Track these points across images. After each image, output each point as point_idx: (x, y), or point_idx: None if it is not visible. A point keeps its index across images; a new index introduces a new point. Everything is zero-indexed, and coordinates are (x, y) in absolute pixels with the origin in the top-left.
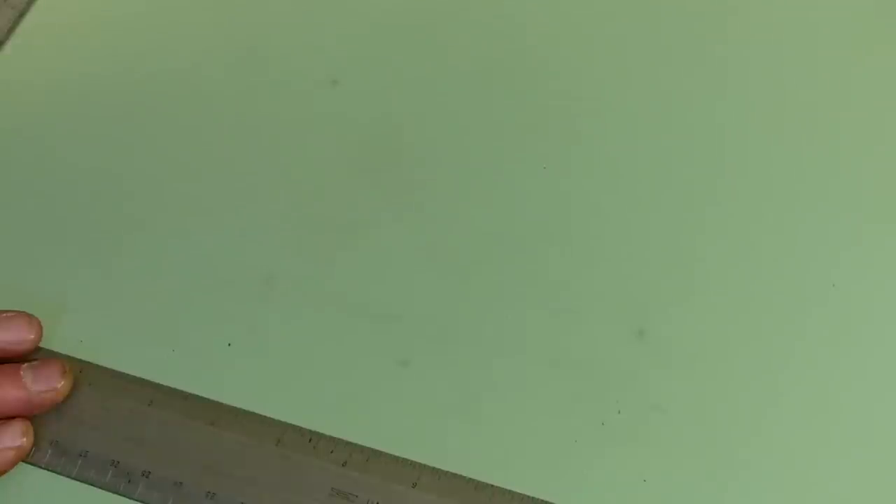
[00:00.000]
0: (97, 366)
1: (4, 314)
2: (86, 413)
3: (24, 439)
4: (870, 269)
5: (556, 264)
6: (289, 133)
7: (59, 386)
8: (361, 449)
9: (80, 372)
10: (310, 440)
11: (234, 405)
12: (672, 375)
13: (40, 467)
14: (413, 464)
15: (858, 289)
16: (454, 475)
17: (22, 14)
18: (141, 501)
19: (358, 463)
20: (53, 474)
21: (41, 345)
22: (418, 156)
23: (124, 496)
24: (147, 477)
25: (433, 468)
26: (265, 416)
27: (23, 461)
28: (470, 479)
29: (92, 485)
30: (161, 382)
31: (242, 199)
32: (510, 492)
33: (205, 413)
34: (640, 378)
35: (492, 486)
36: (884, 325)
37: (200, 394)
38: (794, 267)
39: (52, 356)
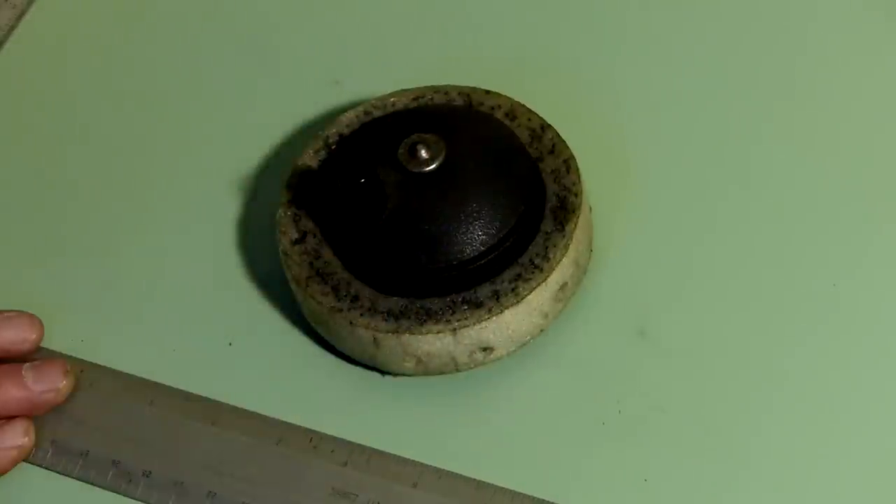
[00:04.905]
0: (98, 366)
1: (6, 314)
2: (86, 413)
3: (26, 439)
4: (870, 269)
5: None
6: (289, 132)
7: (60, 386)
8: (362, 449)
9: (82, 372)
10: (310, 440)
11: (234, 405)
12: (672, 375)
13: (41, 467)
14: (413, 463)
15: (859, 289)
16: (455, 475)
17: (22, 14)
18: (141, 501)
19: (358, 463)
20: (54, 474)
21: (42, 345)
22: None
23: (125, 496)
24: (147, 477)
25: (434, 468)
26: (265, 416)
27: (24, 461)
28: (471, 478)
29: (92, 485)
30: (162, 382)
31: (242, 199)
32: (510, 492)
33: (205, 413)
34: (640, 378)
35: (493, 485)
36: (884, 325)
37: (201, 393)
38: (794, 267)
39: (53, 356)
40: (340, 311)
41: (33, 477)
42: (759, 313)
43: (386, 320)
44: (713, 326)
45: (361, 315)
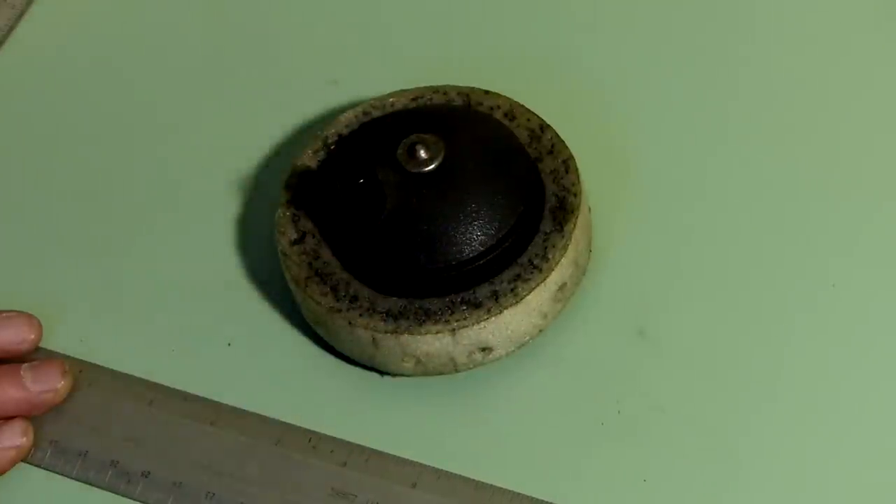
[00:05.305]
0: (97, 366)
1: (4, 314)
2: (86, 413)
3: (24, 439)
4: (870, 270)
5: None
6: (288, 133)
7: (58, 386)
8: (361, 449)
9: (80, 372)
10: (309, 440)
11: (234, 405)
12: (672, 375)
13: (40, 467)
14: (413, 464)
15: (858, 289)
16: (454, 475)
17: (22, 14)
18: (141, 501)
19: (358, 463)
20: (53, 474)
21: (41, 345)
22: None
23: (124, 496)
24: (147, 477)
25: (433, 468)
26: (264, 417)
27: (22, 461)
28: (470, 479)
29: (92, 485)
30: (161, 382)
31: (241, 199)
32: (509, 492)
33: (205, 413)
34: (640, 378)
35: (492, 486)
36: (884, 326)
37: (200, 394)
38: (793, 267)
39: (51, 356)
40: (339, 311)
41: (32, 477)
42: (759, 313)
43: (385, 320)
44: (713, 326)
45: (360, 315)
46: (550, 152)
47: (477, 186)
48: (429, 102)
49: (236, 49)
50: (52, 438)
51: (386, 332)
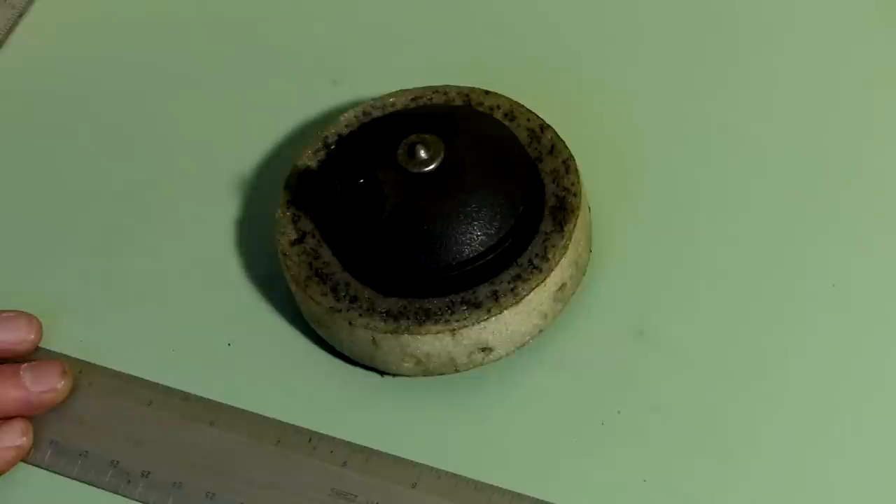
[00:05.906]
0: (97, 366)
1: (4, 314)
2: (86, 413)
3: (24, 439)
4: (870, 269)
5: None
6: (288, 133)
7: (59, 386)
8: (361, 449)
9: (80, 372)
10: (310, 440)
11: (234, 405)
12: (672, 375)
13: (40, 467)
14: (413, 464)
15: (858, 289)
16: (454, 475)
17: (22, 14)
18: (141, 501)
19: (358, 463)
20: (53, 474)
21: (41, 345)
22: None
23: (124, 496)
24: (147, 477)
25: (433, 468)
26: (264, 417)
27: (22, 461)
28: (470, 479)
29: (92, 485)
30: (161, 382)
31: (241, 199)
32: (510, 492)
33: (205, 413)
34: (640, 378)
35: (492, 486)
36: (884, 326)
37: (200, 394)
38: (794, 267)
39: (51, 356)
40: (339, 311)
41: (32, 477)
42: (759, 313)
43: (385, 321)
44: (712, 326)
45: (360, 315)
46: (550, 152)
47: (477, 186)
48: (429, 102)
49: (236, 49)
50: (52, 438)
51: (386, 332)
